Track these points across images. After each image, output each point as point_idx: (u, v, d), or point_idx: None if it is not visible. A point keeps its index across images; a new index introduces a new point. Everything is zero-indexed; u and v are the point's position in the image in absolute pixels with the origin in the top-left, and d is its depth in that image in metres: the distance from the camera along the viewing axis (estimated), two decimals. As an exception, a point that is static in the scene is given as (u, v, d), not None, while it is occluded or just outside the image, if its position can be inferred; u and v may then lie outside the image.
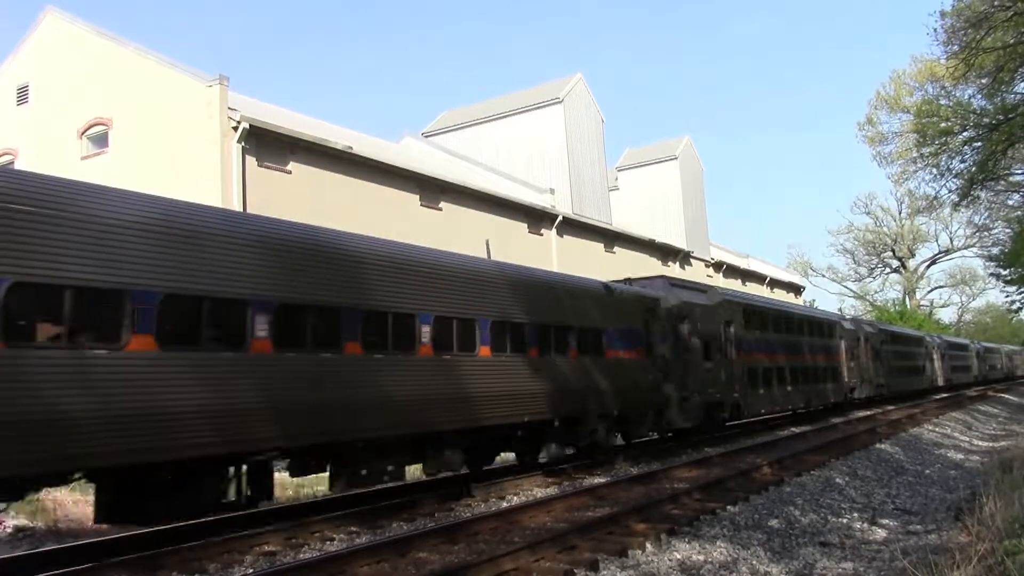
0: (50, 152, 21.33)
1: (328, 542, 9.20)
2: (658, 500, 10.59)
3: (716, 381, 19.02)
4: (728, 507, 10.42)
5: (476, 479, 12.82)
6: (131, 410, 7.19)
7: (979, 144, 24.26)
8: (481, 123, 34.14)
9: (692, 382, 17.58)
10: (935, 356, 47.03)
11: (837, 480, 13.21)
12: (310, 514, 10.40)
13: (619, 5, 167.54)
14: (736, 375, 20.20)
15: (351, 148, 21.30)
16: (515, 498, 12.05)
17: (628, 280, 18.37)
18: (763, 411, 22.70)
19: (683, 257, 39.38)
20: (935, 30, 21.36)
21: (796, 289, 58.46)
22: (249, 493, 8.89)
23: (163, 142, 19.45)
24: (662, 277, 19.59)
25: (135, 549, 8.42)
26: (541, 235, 28.41)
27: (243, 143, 18.37)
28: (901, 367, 39.03)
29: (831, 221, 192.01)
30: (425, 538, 8.59)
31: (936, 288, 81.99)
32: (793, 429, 23.64)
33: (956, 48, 20.92)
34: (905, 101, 30.95)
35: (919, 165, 27.88)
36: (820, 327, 28.44)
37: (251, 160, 18.62)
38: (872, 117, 33.72)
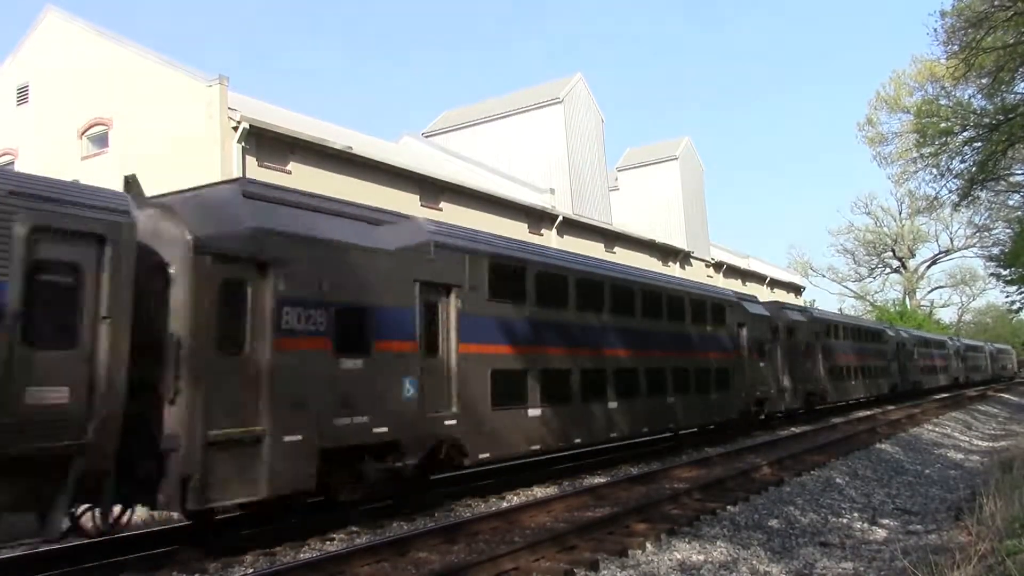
0: (50, 152, 21.32)
1: (328, 542, 9.21)
2: (658, 500, 10.61)
3: (378, 400, 9.87)
4: (728, 507, 10.44)
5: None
6: None
7: (979, 144, 24.23)
8: (481, 123, 34.11)
9: (265, 410, 8.49)
10: (901, 355, 39.67)
11: (837, 480, 13.22)
12: (311, 514, 10.39)
13: (619, 5, 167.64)
14: (450, 387, 11.19)
15: (351, 148, 21.30)
16: (515, 498, 12.06)
17: (131, 183, 8.86)
18: (523, 448, 12.69)
19: (683, 257, 39.36)
20: (935, 30, 21.34)
21: (796, 289, 58.47)
22: None
23: (163, 142, 19.43)
24: (237, 181, 10.49)
25: (135, 549, 8.42)
26: (541, 235, 28.39)
27: (243, 143, 18.36)
28: (849, 368, 31.24)
29: (831, 221, 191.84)
30: (425, 538, 8.59)
31: (936, 288, 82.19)
32: (793, 429, 23.65)
33: (956, 48, 20.89)
34: (905, 101, 30.92)
35: (919, 165, 27.84)
36: (695, 308, 19.15)
37: (251, 160, 18.61)
38: (872, 117, 33.69)
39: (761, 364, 22.37)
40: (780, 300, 31.09)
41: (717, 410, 19.74)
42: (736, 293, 23.83)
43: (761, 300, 26.32)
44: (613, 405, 15.22)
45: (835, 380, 29.13)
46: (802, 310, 29.43)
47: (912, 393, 41.43)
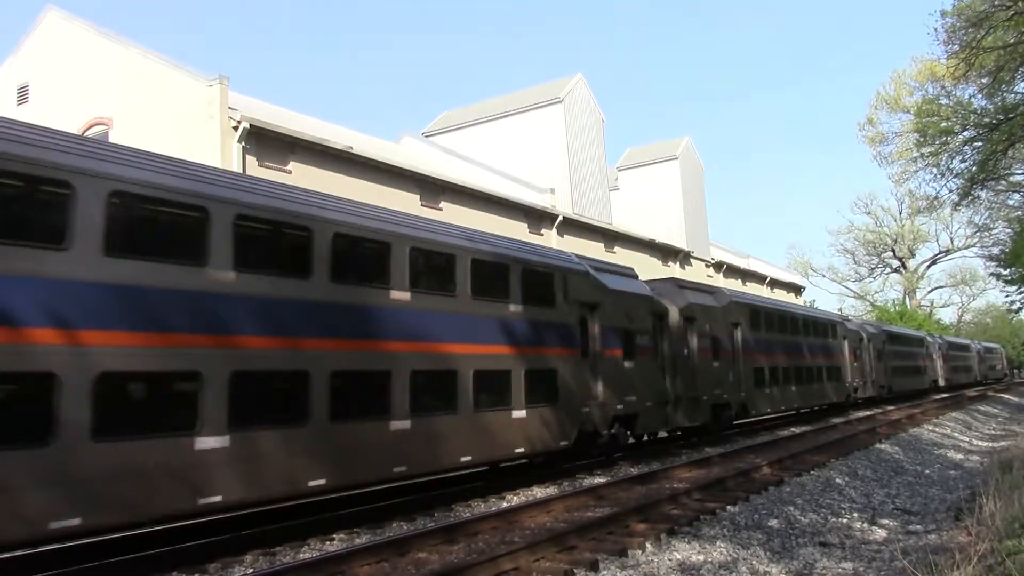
0: (50, 152, 21.30)
1: (328, 542, 9.21)
2: (658, 500, 10.60)
3: None
4: (728, 507, 10.44)
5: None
6: None
7: (979, 144, 24.25)
8: (481, 123, 34.11)
9: None
10: (864, 354, 32.94)
11: (837, 480, 13.22)
12: (310, 514, 10.40)
13: (619, 5, 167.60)
14: None
15: (351, 148, 21.30)
16: (515, 498, 12.06)
17: None
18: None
19: (683, 257, 39.37)
20: (935, 30, 21.37)
21: (796, 289, 58.49)
22: None
23: (163, 142, 19.34)
24: None
25: (135, 549, 8.42)
26: (541, 235, 28.40)
27: (243, 143, 18.37)
28: (786, 371, 24.42)
29: (831, 221, 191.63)
30: (425, 538, 8.59)
31: (936, 288, 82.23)
32: (793, 429, 23.63)
33: (956, 47, 20.92)
34: (905, 101, 31.04)
35: (919, 165, 27.88)
36: (484, 274, 12.47)
37: (251, 160, 18.62)
38: (872, 117, 33.83)
39: (627, 364, 15.72)
40: (677, 277, 23.08)
41: (528, 436, 12.91)
42: (591, 260, 16.56)
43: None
44: (215, 443, 8.23)
45: (762, 386, 22.34)
46: (712, 291, 21.63)
47: (878, 400, 35.00)
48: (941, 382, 47.65)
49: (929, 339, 46.75)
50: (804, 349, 26.45)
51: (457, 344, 11.69)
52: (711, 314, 19.98)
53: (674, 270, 37.42)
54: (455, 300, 11.90)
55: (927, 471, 15.58)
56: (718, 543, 8.52)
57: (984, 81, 22.39)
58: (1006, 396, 47.67)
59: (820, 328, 28.84)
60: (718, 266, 43.92)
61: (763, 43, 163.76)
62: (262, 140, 18.91)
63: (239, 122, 18.26)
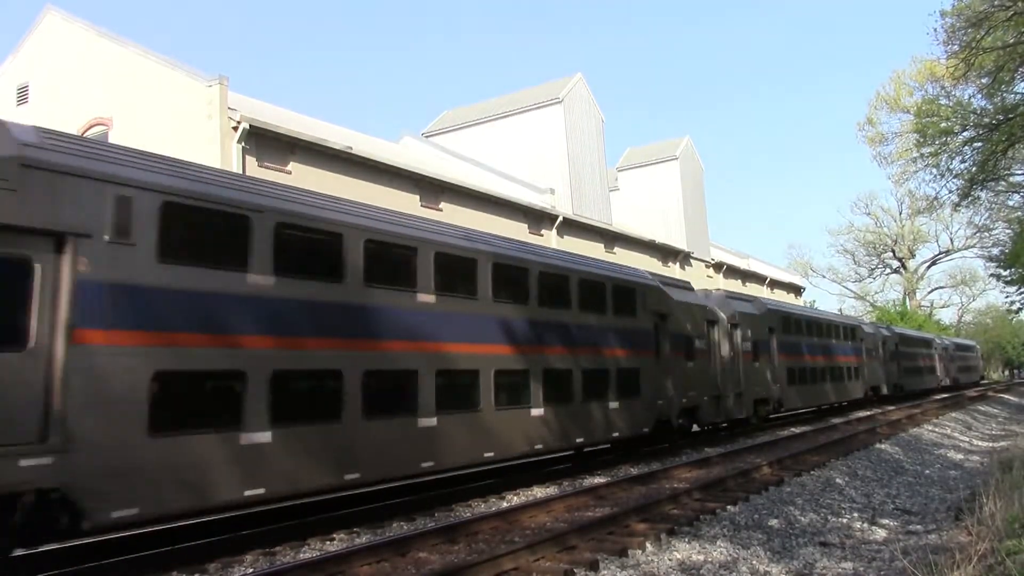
0: (50, 152, 21.28)
1: (328, 542, 9.21)
2: (658, 500, 10.60)
3: None
4: (728, 507, 10.44)
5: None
6: None
7: (979, 144, 24.22)
8: (481, 123, 34.11)
9: None
10: (728, 350, 20.49)
11: (837, 480, 13.22)
12: (310, 514, 10.40)
13: (619, 5, 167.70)
14: None
15: (351, 148, 21.30)
16: (515, 498, 12.06)
17: None
18: None
19: (683, 257, 39.36)
20: (935, 30, 21.34)
21: (796, 289, 58.48)
22: None
23: (163, 142, 19.37)
24: None
25: (135, 549, 8.42)
26: (541, 235, 28.39)
27: (243, 143, 18.37)
28: (447, 379, 11.12)
29: (831, 221, 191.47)
30: (425, 538, 8.59)
31: (936, 289, 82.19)
32: (793, 429, 23.63)
33: (956, 48, 20.89)
34: (905, 101, 31.05)
35: (919, 165, 27.84)
36: None
37: (251, 160, 18.61)
38: (872, 117, 33.83)
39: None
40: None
41: None
42: None
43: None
44: None
45: (289, 423, 8.89)
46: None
47: (755, 426, 22.22)
48: (885, 389, 36.17)
49: (867, 330, 34.92)
50: (541, 336, 13.44)
51: None
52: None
53: (674, 270, 37.41)
54: None
55: (927, 471, 15.58)
56: (718, 543, 8.52)
57: (984, 81, 22.37)
58: (1006, 396, 47.73)
59: (568, 290, 14.41)
60: (718, 267, 43.93)
61: (763, 43, 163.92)
62: (262, 140, 18.91)
63: (239, 122, 18.25)
